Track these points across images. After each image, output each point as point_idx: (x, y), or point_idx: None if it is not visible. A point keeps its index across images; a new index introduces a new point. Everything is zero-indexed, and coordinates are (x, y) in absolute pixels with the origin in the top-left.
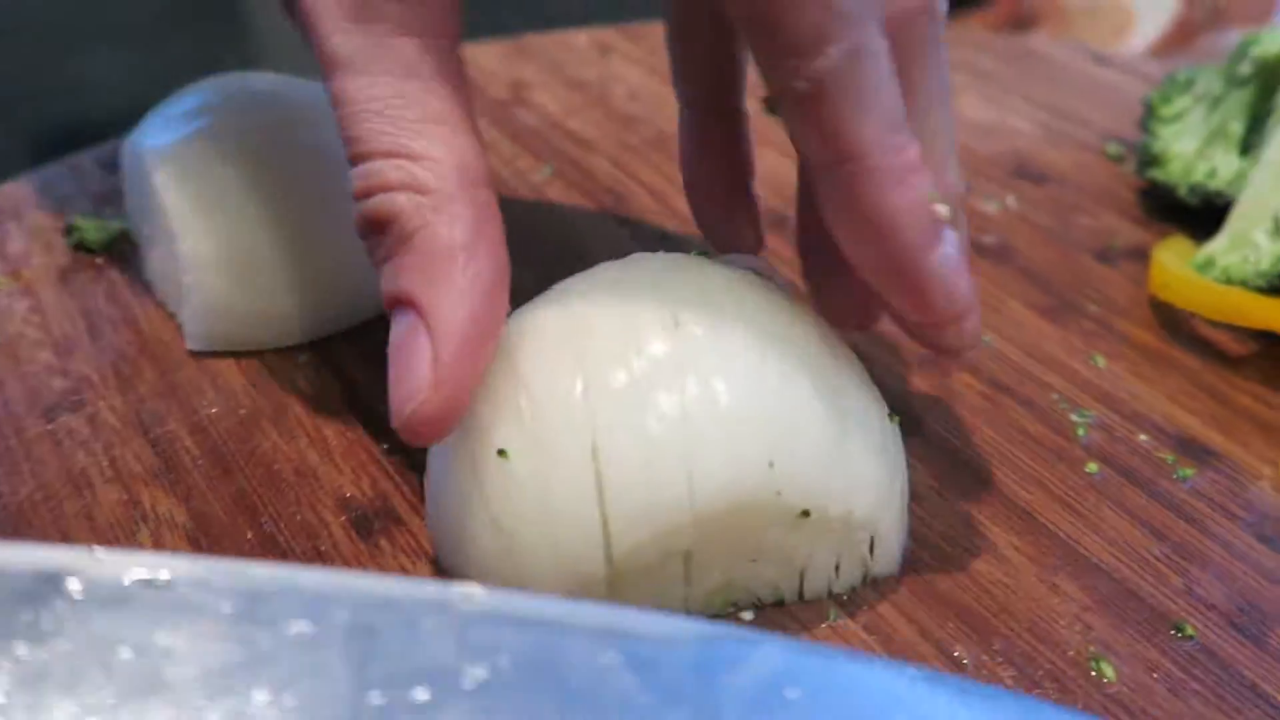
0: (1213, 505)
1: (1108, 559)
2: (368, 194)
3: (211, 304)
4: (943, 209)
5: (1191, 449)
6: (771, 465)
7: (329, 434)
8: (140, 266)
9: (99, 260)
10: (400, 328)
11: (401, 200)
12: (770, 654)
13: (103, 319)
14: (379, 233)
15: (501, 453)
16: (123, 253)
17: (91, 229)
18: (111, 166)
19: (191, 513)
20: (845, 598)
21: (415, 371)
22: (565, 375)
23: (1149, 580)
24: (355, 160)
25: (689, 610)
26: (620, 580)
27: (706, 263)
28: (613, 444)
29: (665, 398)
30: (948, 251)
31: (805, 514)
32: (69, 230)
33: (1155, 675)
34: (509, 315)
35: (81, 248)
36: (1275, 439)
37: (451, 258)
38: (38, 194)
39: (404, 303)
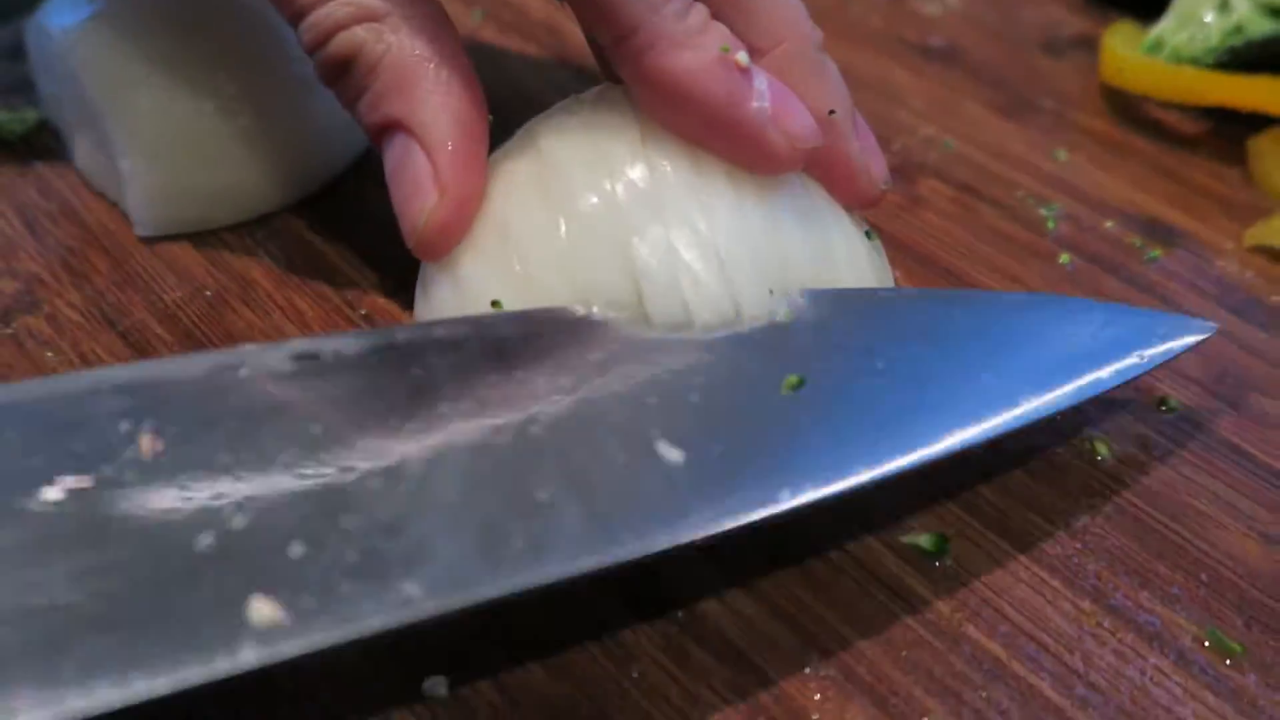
0: (1182, 283)
1: None
2: (322, 40)
3: (156, 187)
4: (741, 57)
5: (1157, 231)
6: (771, 294)
7: (301, 305)
8: (67, 156)
9: (20, 153)
10: (393, 152)
11: (360, 32)
12: None
13: (40, 214)
14: (345, 73)
15: (495, 303)
16: (44, 143)
17: (6, 120)
18: (13, 53)
19: None
20: None
21: (418, 185)
22: (546, 218)
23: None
24: (300, 14)
25: None
26: None
27: None
28: (600, 282)
29: (651, 231)
30: (760, 100)
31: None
32: None
33: (1146, 448)
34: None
35: (0, 142)
36: (1234, 213)
37: (423, 69)
38: None
39: (389, 127)
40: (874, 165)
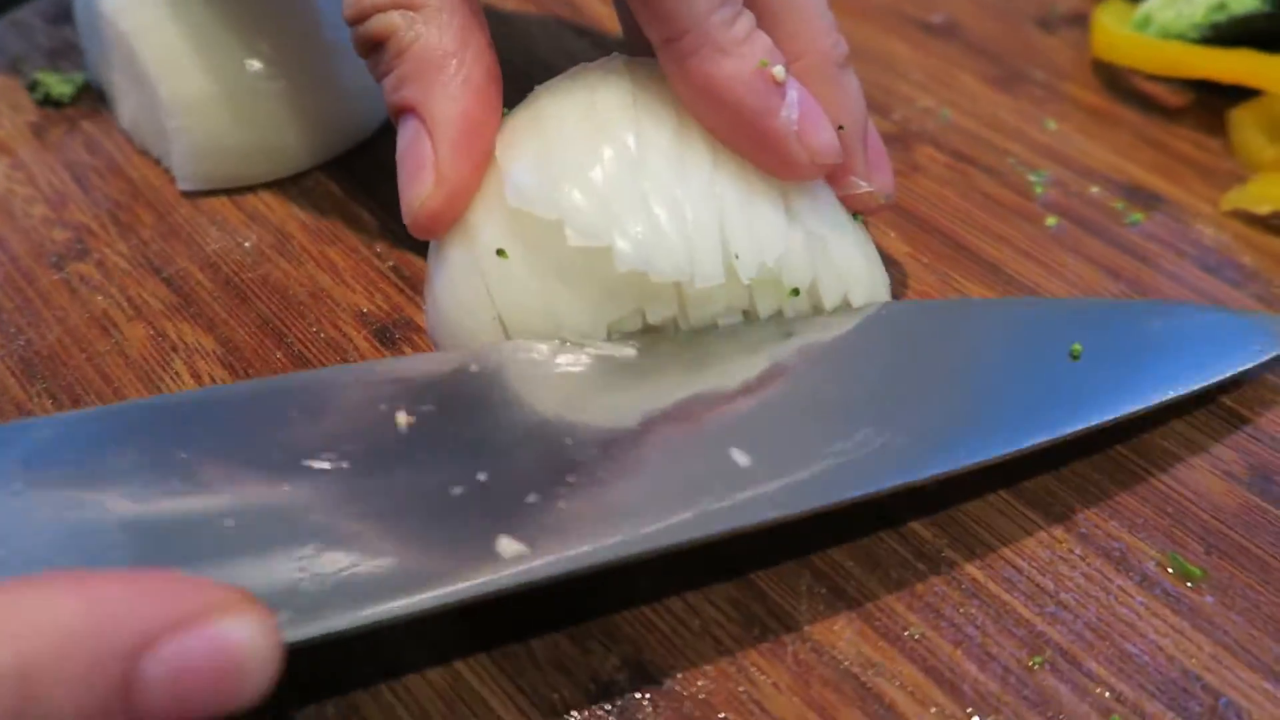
0: (1161, 244)
1: (1075, 298)
2: (361, 18)
3: (201, 144)
4: (778, 72)
5: (1139, 196)
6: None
7: (334, 257)
8: (112, 117)
9: (69, 114)
10: (405, 133)
11: (395, 17)
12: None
13: (88, 170)
14: (376, 51)
15: (500, 252)
16: (90, 105)
17: (55, 83)
18: (58, 19)
19: (219, 340)
20: None
21: (420, 170)
22: (547, 174)
23: None
24: None
25: None
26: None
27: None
28: (579, 215)
29: (631, 184)
30: (789, 113)
31: (795, 292)
32: (33, 86)
33: None
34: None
35: (48, 102)
36: (1213, 180)
37: (444, 63)
38: None
39: (405, 109)
40: (878, 178)
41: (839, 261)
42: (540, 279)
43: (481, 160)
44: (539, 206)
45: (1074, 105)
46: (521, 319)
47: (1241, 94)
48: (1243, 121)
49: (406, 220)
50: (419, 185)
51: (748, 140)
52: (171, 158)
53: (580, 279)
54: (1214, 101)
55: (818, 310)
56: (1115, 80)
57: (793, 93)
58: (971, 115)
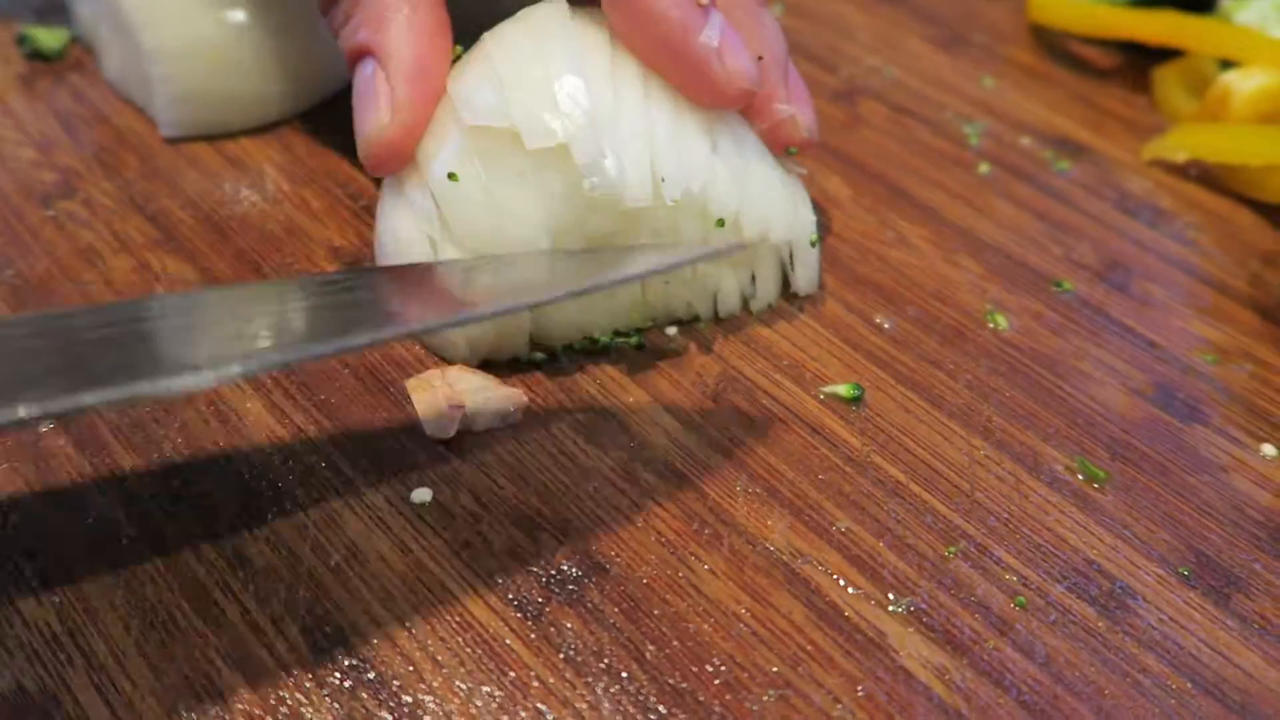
0: (1086, 189)
1: (1000, 239)
2: None
3: (182, 92)
4: None
5: (1067, 146)
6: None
7: (309, 197)
8: (99, 70)
9: (56, 67)
10: (362, 73)
11: None
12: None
13: (75, 118)
14: (334, 3)
15: (452, 176)
16: (77, 59)
17: (44, 36)
18: None
19: (200, 271)
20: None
21: (376, 106)
22: (500, 93)
23: (1033, 252)
24: None
25: (613, 325)
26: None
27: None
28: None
29: (585, 105)
30: (710, 34)
31: (720, 223)
32: (21, 40)
33: (1041, 321)
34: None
35: (37, 56)
36: (1137, 133)
37: (398, 9)
38: None
39: (361, 52)
40: (801, 114)
41: (759, 196)
42: (490, 195)
43: (434, 95)
44: (495, 118)
45: (1011, 65)
46: (473, 236)
47: (1166, 55)
48: (1166, 79)
49: (363, 154)
50: (375, 117)
51: (672, 60)
52: (154, 105)
53: (529, 190)
54: (1141, 62)
55: (741, 244)
56: (1051, 44)
57: (716, 16)
58: (914, 73)
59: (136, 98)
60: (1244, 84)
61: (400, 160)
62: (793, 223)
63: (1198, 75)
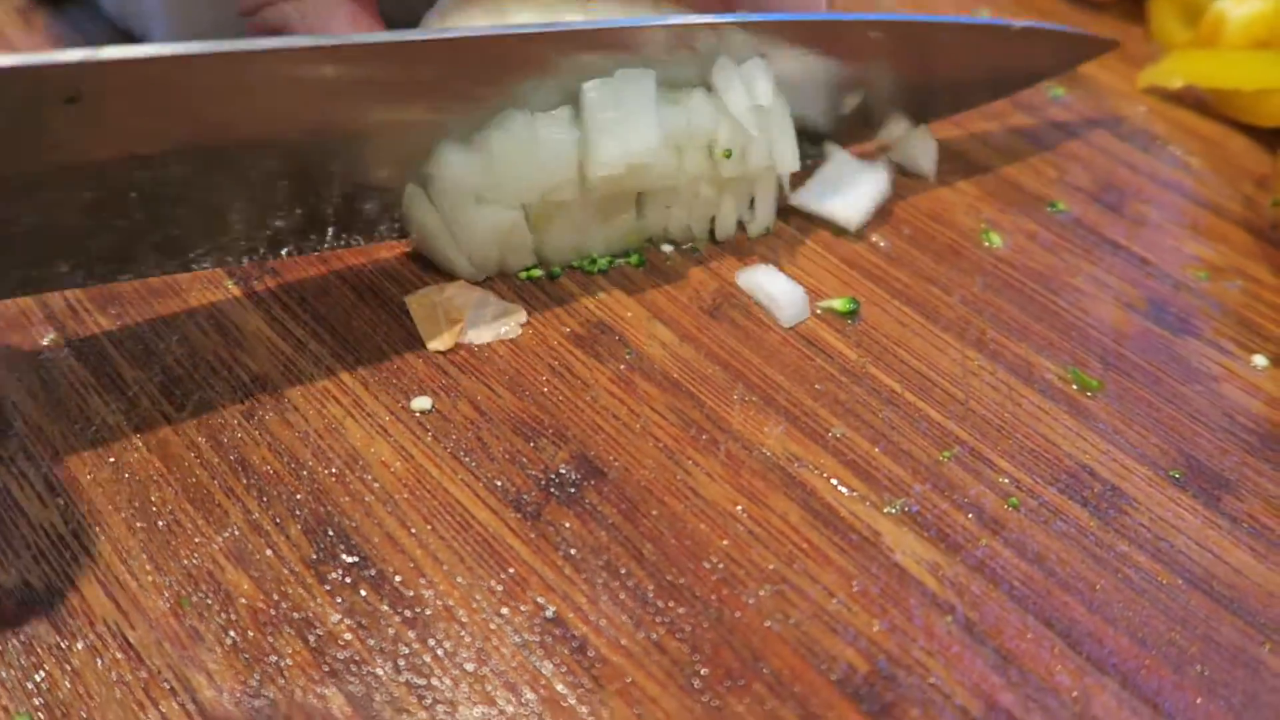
0: (1080, 115)
1: (995, 161)
2: (255, 8)
3: (179, 21)
4: None
5: (1064, 75)
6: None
7: None
8: (96, 1)
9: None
10: None
11: (287, 9)
12: None
13: (76, 45)
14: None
15: None
16: None
17: None
18: None
19: None
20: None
21: None
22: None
23: (1028, 175)
24: None
25: (610, 249)
26: (543, 213)
27: None
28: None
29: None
30: None
31: (728, 154)
32: None
33: (1035, 239)
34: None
35: None
36: (1132, 62)
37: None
38: None
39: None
40: None
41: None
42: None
43: None
44: None
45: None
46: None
47: None
48: (1161, 7)
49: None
50: None
51: None
52: (153, 36)
53: None
54: None
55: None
56: None
57: None
58: (910, 3)
59: (136, 27)
60: (1237, 10)
61: None
62: (792, 151)
63: (1192, 3)
